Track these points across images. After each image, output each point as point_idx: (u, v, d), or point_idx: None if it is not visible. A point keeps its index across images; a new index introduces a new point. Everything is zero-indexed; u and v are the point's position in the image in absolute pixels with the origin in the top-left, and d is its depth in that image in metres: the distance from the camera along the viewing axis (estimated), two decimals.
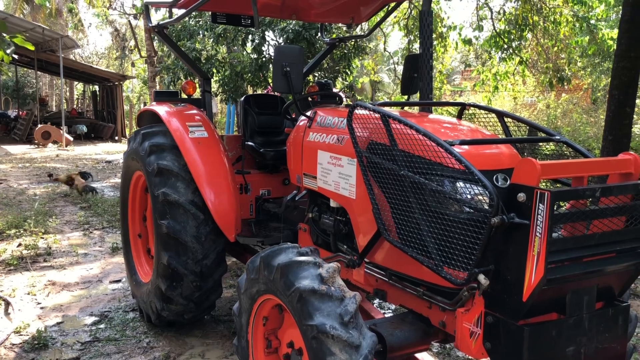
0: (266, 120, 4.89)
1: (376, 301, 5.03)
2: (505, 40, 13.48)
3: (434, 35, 15.17)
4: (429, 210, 2.54)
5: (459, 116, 3.52)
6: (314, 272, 2.58)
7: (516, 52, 13.79)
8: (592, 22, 14.09)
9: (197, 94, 4.91)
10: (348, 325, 2.41)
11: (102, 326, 4.59)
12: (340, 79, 10.58)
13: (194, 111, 4.51)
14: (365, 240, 3.11)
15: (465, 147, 2.75)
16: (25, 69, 34.36)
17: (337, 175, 3.34)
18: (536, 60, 18.12)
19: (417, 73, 3.91)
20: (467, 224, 2.36)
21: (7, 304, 4.98)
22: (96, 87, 31.87)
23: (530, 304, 2.25)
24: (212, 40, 10.60)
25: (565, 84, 14.82)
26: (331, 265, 2.64)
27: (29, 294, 5.32)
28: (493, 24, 13.89)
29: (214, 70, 10.45)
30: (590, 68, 21.57)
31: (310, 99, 4.97)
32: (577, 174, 2.39)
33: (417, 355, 3.63)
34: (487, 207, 2.29)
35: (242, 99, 4.96)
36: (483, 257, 2.33)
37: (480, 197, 2.37)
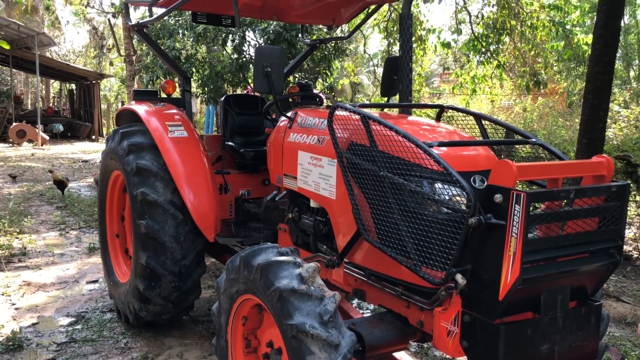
0: (246, 120, 4.89)
1: (355, 301, 5.06)
2: (484, 44, 13.65)
3: (414, 38, 15.30)
4: (408, 211, 2.57)
5: (438, 118, 3.56)
6: (294, 272, 2.59)
7: (494, 55, 13.97)
8: (568, 27, 14.33)
9: (176, 94, 4.89)
10: (327, 325, 2.43)
11: (78, 327, 4.54)
12: (320, 80, 10.60)
13: (174, 110, 4.50)
14: (345, 240, 3.13)
15: (444, 148, 2.79)
16: (0, 66, 33.76)
17: (317, 176, 3.36)
18: (513, 64, 18.37)
19: (397, 75, 3.95)
20: (445, 225, 2.40)
21: None
22: (73, 86, 31.46)
23: (506, 303, 2.29)
24: (192, 39, 10.55)
25: (542, 87, 15.07)
26: (311, 265, 2.65)
27: (3, 294, 5.24)
28: (472, 28, 14.06)
29: (194, 70, 10.39)
30: (565, 72, 21.94)
31: (290, 99, 4.98)
32: (552, 175, 2.45)
33: (395, 354, 3.67)
34: (464, 208, 2.33)
35: (223, 99, 4.95)
36: (460, 257, 2.37)
37: (458, 198, 2.41)
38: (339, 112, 3.05)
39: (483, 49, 13.76)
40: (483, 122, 3.35)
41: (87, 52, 39.17)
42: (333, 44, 10.11)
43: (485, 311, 2.38)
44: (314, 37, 9.49)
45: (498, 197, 2.27)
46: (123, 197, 4.79)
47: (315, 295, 2.51)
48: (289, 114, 3.76)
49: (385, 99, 4.15)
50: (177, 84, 4.89)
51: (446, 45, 14.43)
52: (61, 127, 25.69)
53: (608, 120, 15.86)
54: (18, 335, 4.22)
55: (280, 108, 3.72)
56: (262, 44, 9.88)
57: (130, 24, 4.88)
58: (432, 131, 3.12)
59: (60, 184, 10.31)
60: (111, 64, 29.69)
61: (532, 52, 15.55)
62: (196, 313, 4.83)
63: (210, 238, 4.10)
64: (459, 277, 2.37)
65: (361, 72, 32.26)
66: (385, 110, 4.16)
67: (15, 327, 4.40)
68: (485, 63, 14.13)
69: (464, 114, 3.49)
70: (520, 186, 2.88)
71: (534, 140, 3.01)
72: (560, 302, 2.48)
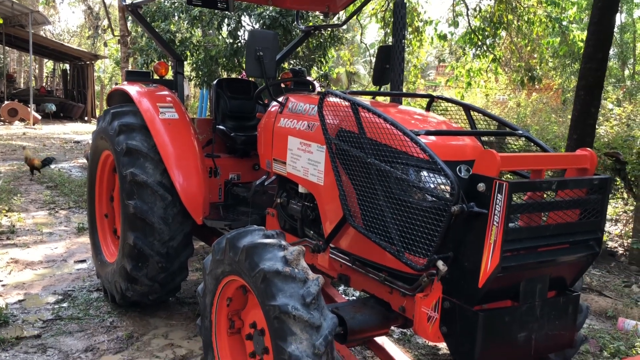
0: (238, 104, 4.89)
1: (341, 288, 5.11)
2: (480, 37, 13.65)
3: (410, 29, 15.30)
4: (393, 198, 2.61)
5: (428, 108, 3.59)
6: (278, 254, 2.62)
7: (490, 49, 13.98)
8: (565, 23, 14.36)
9: (169, 76, 4.89)
10: (310, 307, 2.47)
11: (65, 305, 4.56)
12: (315, 67, 10.59)
13: (166, 92, 4.50)
14: (331, 226, 3.16)
15: (432, 137, 2.82)
16: None
17: (306, 162, 3.38)
18: (509, 58, 18.40)
19: (389, 64, 3.97)
20: (429, 212, 2.44)
21: None
22: (67, 66, 31.23)
23: (485, 291, 2.33)
24: (187, 22, 10.50)
25: (536, 83, 15.12)
26: (295, 248, 2.69)
27: None
28: (468, 21, 14.06)
29: (188, 54, 10.35)
30: (560, 69, 21.98)
31: (283, 85, 4.99)
32: (535, 167, 2.48)
33: (378, 341, 3.72)
34: (448, 196, 2.36)
35: (215, 82, 4.94)
36: (443, 244, 2.41)
37: (442, 186, 2.45)
38: (329, 99, 3.07)
39: (479, 43, 13.77)
40: (472, 114, 3.39)
41: (82, 32, 38.90)
42: (329, 32, 10.09)
43: (465, 298, 2.42)
44: (310, 23, 9.46)
45: (481, 186, 2.30)
46: (113, 177, 4.79)
47: (299, 277, 2.54)
48: (280, 99, 3.78)
49: (377, 87, 4.17)
50: (170, 66, 4.88)
51: (443, 37, 14.44)
52: (54, 107, 25.53)
53: (600, 117, 15.95)
54: (4, 312, 4.24)
55: (271, 93, 3.73)
56: (257, 29, 9.86)
57: (124, 3, 4.87)
58: (421, 120, 3.16)
59: (33, 168, 10.31)
60: (105, 45, 29.46)
61: (528, 48, 15.59)
62: (183, 295, 4.86)
63: (198, 220, 4.12)
64: (440, 264, 2.40)
65: (358, 62, 32.18)
66: (377, 98, 4.17)
67: (2, 304, 4.42)
68: (481, 57, 14.16)
69: (456, 106, 3.52)
70: (507, 177, 2.93)
71: (520, 132, 3.05)
72: (539, 291, 2.53)
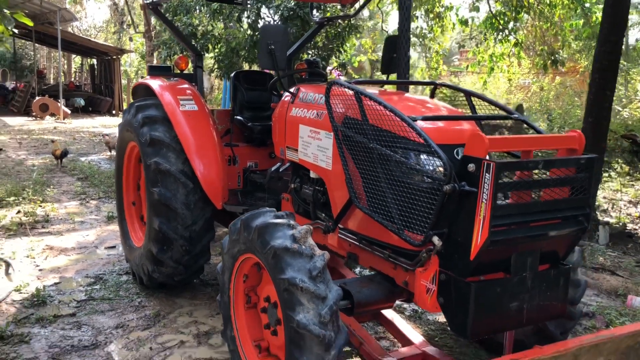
0: (255, 95, 5.12)
1: (357, 269, 5.32)
2: (501, 22, 13.61)
3: (431, 15, 15.33)
4: (393, 179, 2.81)
5: (432, 95, 3.77)
6: (287, 233, 2.86)
7: (512, 33, 13.92)
8: (587, 5, 14.21)
9: (190, 70, 5.14)
10: (316, 279, 2.70)
11: (97, 287, 4.88)
12: (334, 57, 10.76)
13: (186, 85, 4.75)
14: (339, 207, 3.38)
15: (430, 122, 3.01)
16: (23, 41, 34.31)
17: (316, 148, 3.60)
18: (532, 42, 18.26)
19: (396, 54, 4.15)
20: (425, 191, 2.64)
21: (8, 265, 5.26)
22: (94, 61, 31.87)
23: (476, 263, 2.53)
24: (208, 16, 10.76)
25: (559, 66, 15.02)
26: (304, 227, 2.91)
27: (28, 257, 5.61)
28: (489, 5, 14.02)
29: (209, 46, 10.62)
30: (586, 51, 21.68)
31: (298, 76, 5.20)
32: (524, 148, 2.66)
33: (387, 315, 3.95)
34: (441, 176, 2.56)
35: (233, 75, 5.18)
36: (438, 221, 2.61)
37: (436, 168, 2.64)
38: (335, 88, 3.28)
39: (501, 27, 13.73)
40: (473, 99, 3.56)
41: (108, 27, 39.57)
42: (347, 22, 10.24)
43: (458, 270, 2.62)
44: (328, 14, 9.62)
45: (471, 167, 2.49)
46: (138, 167, 5.08)
47: (306, 253, 2.77)
48: (292, 90, 3.99)
49: (385, 76, 4.35)
50: (190, 61, 5.14)
51: (464, 22, 14.46)
52: (82, 102, 26.14)
53: (624, 100, 15.74)
54: (42, 293, 4.58)
55: (283, 84, 3.95)
56: (277, 21, 10.06)
57: (146, 1, 5.12)
58: (421, 107, 3.34)
59: (56, 158, 11.10)
60: (131, 39, 29.99)
61: (553, 31, 15.45)
62: (206, 277, 5.14)
63: (218, 205, 4.38)
64: (435, 239, 2.60)
65: (380, 49, 32.12)
66: (386, 87, 4.35)
67: (40, 286, 4.76)
68: (503, 41, 14.11)
69: (463, 94, 3.67)
70: (503, 157, 3.11)
71: (516, 116, 3.21)
72: (529, 264, 2.71)
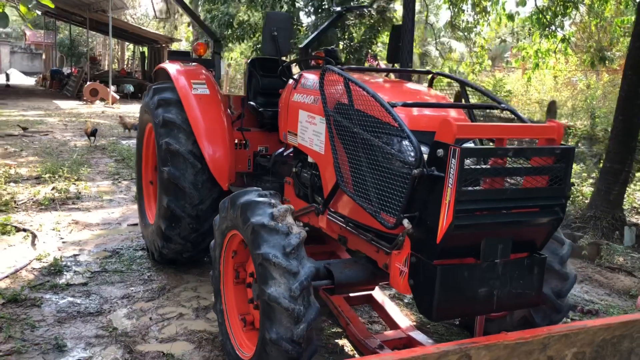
0: (269, 82, 5.24)
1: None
2: (548, 17, 13.30)
3: (478, 9, 15.12)
4: (372, 163, 2.89)
5: (430, 84, 3.81)
6: (267, 211, 2.98)
7: (559, 29, 13.56)
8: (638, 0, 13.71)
9: (208, 55, 5.31)
10: (289, 256, 2.81)
11: (112, 260, 5.14)
12: (367, 48, 10.80)
13: (201, 70, 4.92)
14: (329, 190, 3.48)
15: (415, 110, 3.07)
16: (81, 29, 35.56)
17: (312, 133, 3.70)
18: (580, 38, 17.76)
19: (401, 43, 4.20)
20: (397, 175, 2.70)
21: (34, 236, 5.59)
22: (145, 49, 32.78)
23: (442, 246, 2.58)
24: (245, 5, 10.96)
25: (607, 63, 14.56)
26: (284, 206, 3.03)
27: (54, 229, 5.93)
28: (535, 0, 13.72)
29: (245, 35, 10.83)
30: None
31: (314, 62, 5.29)
32: (496, 135, 2.68)
33: (377, 299, 4.03)
34: (412, 160, 2.62)
35: (249, 61, 5.32)
36: (410, 205, 2.67)
37: (408, 152, 2.70)
38: (329, 75, 3.37)
39: (547, 22, 13.42)
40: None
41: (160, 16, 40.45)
42: (379, 15, 10.25)
43: (426, 253, 2.67)
44: (352, 3, 9.65)
45: (440, 152, 2.54)
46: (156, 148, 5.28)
47: (282, 230, 2.89)
48: (295, 76, 4.10)
49: (391, 65, 4.40)
50: (208, 46, 5.31)
51: (510, 17, 14.20)
52: (132, 88, 26.94)
53: None
54: (59, 263, 4.86)
55: (286, 70, 4.06)
56: (311, 12, 10.16)
57: None
58: (410, 94, 3.39)
59: (88, 136, 12.20)
60: (175, 28, 30.67)
61: (600, 27, 14.98)
62: None
63: (224, 187, 4.54)
64: (405, 222, 2.67)
65: (429, 43, 31.78)
66: (392, 75, 4.41)
67: (58, 256, 5.04)
68: (549, 37, 13.80)
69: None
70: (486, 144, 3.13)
71: (504, 105, 3.22)
72: (500, 251, 2.73)
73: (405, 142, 2.82)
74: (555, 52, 15.00)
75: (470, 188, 2.58)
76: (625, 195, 8.22)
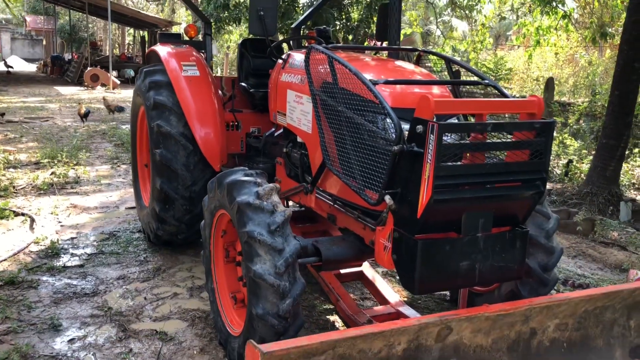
0: (260, 63, 5.23)
1: None
2: None
3: None
4: (355, 140, 2.92)
5: (417, 62, 3.82)
6: (252, 190, 3.02)
7: (560, 5, 13.44)
8: None
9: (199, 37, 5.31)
10: (274, 233, 2.85)
11: (109, 242, 5.21)
12: (367, 29, 10.76)
13: (191, 52, 4.93)
14: (316, 169, 3.51)
15: (399, 88, 3.09)
16: (81, 14, 35.42)
17: (299, 112, 3.72)
18: (582, 14, 17.60)
19: (388, 20, 4.20)
20: (379, 152, 2.73)
21: (32, 220, 5.66)
22: (145, 33, 32.66)
23: (423, 221, 2.61)
24: None
25: (609, 39, 14.46)
26: (269, 185, 3.07)
27: (52, 213, 6.00)
28: None
29: (242, 17, 10.78)
30: None
31: (306, 42, 5.29)
32: (475, 111, 2.71)
33: (368, 275, 4.09)
34: (392, 137, 2.65)
35: (240, 42, 5.33)
36: (391, 181, 2.70)
37: (389, 129, 2.73)
38: (314, 54, 3.38)
39: None
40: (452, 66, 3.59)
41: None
42: None
43: (408, 228, 2.71)
44: None
45: (419, 128, 2.56)
46: None
47: (267, 209, 2.93)
48: (283, 56, 4.11)
49: (380, 42, 4.40)
50: (199, 28, 5.31)
51: None
52: (132, 73, 26.84)
53: None
54: (56, 245, 4.93)
55: (273, 50, 4.07)
56: None
57: None
58: (393, 72, 3.40)
59: (81, 116, 12.75)
60: (173, 11, 30.53)
61: (603, 3, 14.83)
62: None
63: (216, 168, 4.57)
64: (387, 198, 2.70)
65: (431, 23, 31.57)
66: (383, 54, 4.40)
67: (56, 239, 5.11)
68: (550, 13, 13.69)
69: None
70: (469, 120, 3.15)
71: (487, 81, 3.23)
72: (482, 225, 2.76)
73: (388, 120, 2.85)
74: (557, 29, 14.89)
75: (450, 163, 2.61)
76: (624, 172, 8.24)
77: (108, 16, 23.23)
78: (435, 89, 3.21)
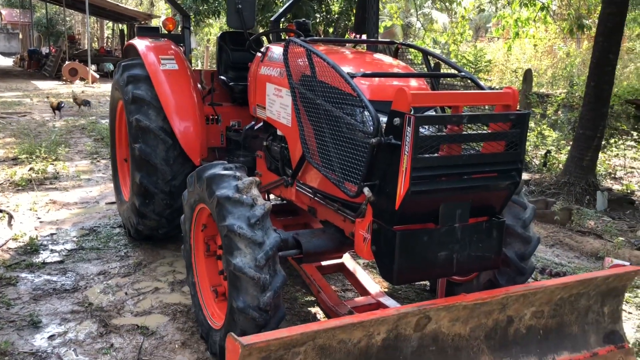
0: (239, 56, 5.22)
1: None
2: None
3: None
4: (333, 133, 2.94)
5: (395, 55, 3.84)
6: (232, 183, 3.03)
7: None
8: None
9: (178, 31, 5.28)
10: (254, 227, 2.87)
11: (89, 238, 5.17)
12: (346, 21, 10.75)
13: (170, 46, 4.90)
14: (296, 162, 3.52)
15: (376, 80, 3.11)
16: (58, 7, 34.89)
17: (279, 106, 3.73)
18: (560, 6, 17.76)
19: (366, 13, 4.21)
20: (357, 145, 2.76)
21: (10, 216, 5.60)
22: (124, 26, 32.27)
23: (401, 212, 2.64)
24: None
25: (586, 31, 14.65)
26: (249, 178, 3.08)
27: (31, 209, 5.94)
28: None
29: (221, 10, 10.72)
30: None
31: (286, 36, 5.29)
32: (451, 103, 2.74)
33: (349, 266, 4.12)
34: (370, 130, 2.67)
35: (219, 36, 5.31)
36: (370, 173, 2.73)
37: (367, 122, 2.75)
38: (292, 47, 3.39)
39: None
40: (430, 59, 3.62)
41: None
42: None
43: (386, 219, 2.74)
44: None
45: (396, 121, 2.59)
46: None
47: (247, 202, 2.94)
48: (262, 49, 4.11)
49: (359, 35, 4.41)
50: (177, 22, 5.28)
51: None
52: (112, 67, 26.52)
53: None
54: (35, 242, 4.89)
55: (252, 43, 4.06)
56: None
57: None
58: (371, 65, 3.42)
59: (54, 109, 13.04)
60: (152, 4, 30.23)
61: None
62: None
63: (196, 162, 4.56)
64: (365, 190, 2.73)
65: (412, 15, 31.65)
66: (364, 47, 4.42)
67: (35, 236, 5.07)
68: (528, 5, 13.81)
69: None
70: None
71: (463, 73, 3.27)
72: (459, 215, 2.80)
73: (366, 113, 2.88)
74: (535, 21, 15.03)
75: (427, 155, 2.64)
76: (600, 162, 8.37)
77: (86, 9, 22.92)
78: (413, 82, 3.24)
